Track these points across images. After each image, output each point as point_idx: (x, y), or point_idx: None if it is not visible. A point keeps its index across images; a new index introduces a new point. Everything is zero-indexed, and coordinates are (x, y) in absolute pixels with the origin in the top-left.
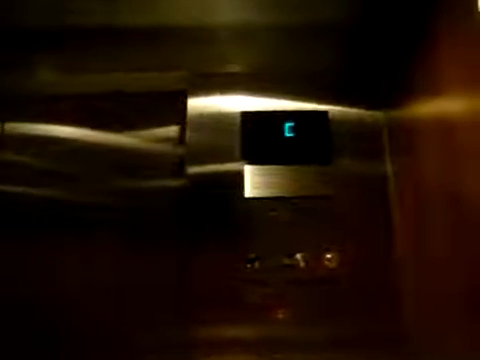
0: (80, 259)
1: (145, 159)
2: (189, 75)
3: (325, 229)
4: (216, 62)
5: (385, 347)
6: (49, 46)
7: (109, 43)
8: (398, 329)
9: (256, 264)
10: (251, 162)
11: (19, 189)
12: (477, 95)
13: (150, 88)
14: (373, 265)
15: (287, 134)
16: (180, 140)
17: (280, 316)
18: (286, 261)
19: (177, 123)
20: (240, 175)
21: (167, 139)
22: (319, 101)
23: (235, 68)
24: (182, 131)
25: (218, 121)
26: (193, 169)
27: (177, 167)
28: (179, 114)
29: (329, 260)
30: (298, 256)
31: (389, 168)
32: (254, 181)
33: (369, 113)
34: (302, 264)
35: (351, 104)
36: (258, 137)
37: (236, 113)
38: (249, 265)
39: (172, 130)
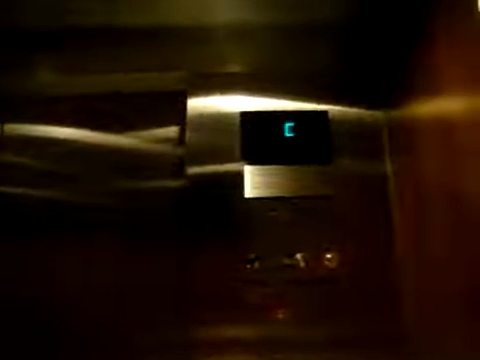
0: (80, 260)
1: (145, 160)
2: (189, 75)
3: (325, 229)
4: (216, 62)
5: (385, 347)
6: (49, 47)
7: (109, 43)
8: (398, 329)
9: (256, 264)
10: (251, 162)
11: (19, 190)
12: (477, 95)
13: (150, 88)
14: (373, 265)
15: (287, 134)
16: (180, 140)
17: (280, 316)
18: (286, 261)
19: (177, 123)
20: (240, 175)
21: (167, 139)
22: (319, 101)
23: (235, 68)
24: (182, 131)
25: (218, 121)
26: (193, 169)
27: (177, 167)
28: (179, 114)
29: (329, 260)
30: (298, 256)
31: (389, 168)
32: (254, 181)
33: (369, 113)
34: (302, 264)
35: (351, 104)
36: (258, 137)
37: (236, 113)
38: (249, 265)
39: (172, 130)
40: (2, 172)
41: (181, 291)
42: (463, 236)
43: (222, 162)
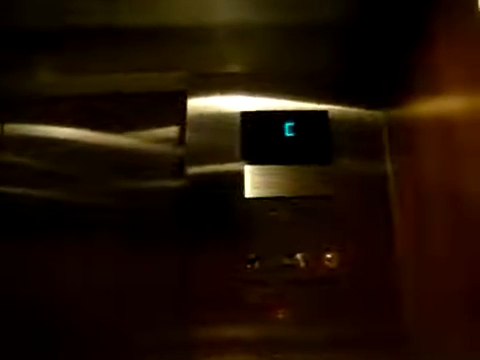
0: (80, 260)
1: (145, 160)
2: (189, 75)
3: (325, 229)
4: (216, 62)
5: (385, 347)
6: (49, 47)
7: (109, 43)
8: (398, 329)
9: (256, 264)
10: (251, 162)
11: (19, 190)
12: (476, 94)
13: (150, 88)
14: (373, 265)
15: (287, 134)
16: (180, 140)
17: (280, 316)
18: (286, 261)
19: (177, 123)
20: (240, 175)
21: (167, 139)
22: (319, 101)
23: (235, 68)
24: (182, 131)
25: (218, 121)
26: (193, 169)
27: (177, 167)
28: (179, 114)
29: (329, 260)
30: (298, 256)
31: (389, 167)
32: (254, 181)
33: (369, 112)
34: (302, 264)
35: (351, 104)
36: (258, 137)
37: (236, 113)
38: (249, 265)
39: (172, 130)
40: (2, 172)
41: (181, 291)
42: (463, 236)
43: (222, 162)
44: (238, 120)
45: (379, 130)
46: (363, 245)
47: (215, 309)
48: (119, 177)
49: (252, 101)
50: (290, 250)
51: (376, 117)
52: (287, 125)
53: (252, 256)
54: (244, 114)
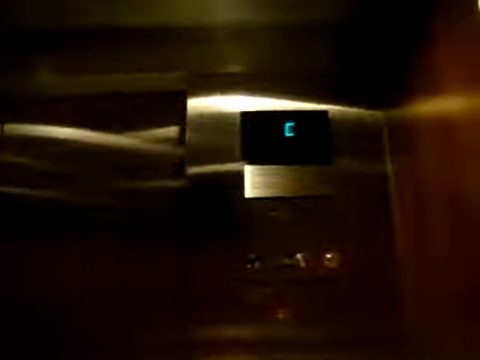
0: (80, 260)
1: (145, 160)
2: (189, 75)
3: (325, 229)
4: (216, 62)
5: (385, 347)
6: (49, 47)
7: (109, 44)
8: (398, 329)
9: (256, 264)
10: (251, 162)
11: (19, 190)
12: (476, 94)
13: (150, 89)
14: (373, 265)
15: (287, 134)
16: (180, 140)
17: (280, 316)
18: (286, 261)
19: (177, 123)
20: (240, 175)
21: (167, 139)
22: (319, 101)
23: (235, 68)
24: (182, 131)
25: (218, 121)
26: (193, 169)
27: (177, 167)
28: (179, 114)
29: (329, 260)
30: (298, 256)
31: (389, 167)
32: (254, 181)
33: (369, 112)
34: (302, 264)
35: (351, 104)
36: (258, 137)
37: (236, 113)
38: (249, 265)
39: (172, 130)
40: (2, 172)
41: (181, 291)
42: (463, 236)
43: (222, 162)
44: (238, 120)
45: (379, 130)
46: (363, 245)
47: (215, 309)
48: (119, 177)
49: (252, 101)
50: (290, 250)
51: (376, 117)
52: (287, 125)
53: (252, 256)
54: (244, 114)
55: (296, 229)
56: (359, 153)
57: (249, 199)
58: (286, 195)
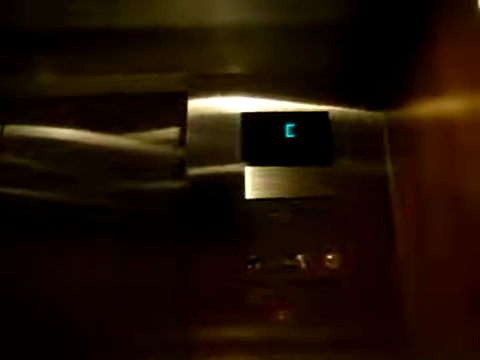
0: (81, 261)
1: (145, 161)
2: (189, 76)
3: (326, 230)
4: (216, 63)
5: (386, 348)
6: (48, 48)
7: (109, 45)
8: (399, 330)
9: (257, 265)
10: (252, 163)
11: (19, 191)
12: (477, 95)
13: (150, 90)
14: (374, 266)
15: (287, 135)
16: (180, 142)
17: (281, 317)
18: (287, 262)
19: (177, 124)
20: (241, 176)
21: (167, 141)
22: (319, 102)
23: (235, 69)
24: (182, 133)
25: (218, 122)
26: (193, 171)
27: (177, 169)
28: (179, 115)
29: (330, 261)
30: (299, 257)
31: (390, 168)
32: (255, 182)
33: (369, 113)
34: (303, 265)
35: (351, 104)
36: (259, 138)
37: (236, 114)
38: (250, 266)
39: (172, 132)
40: (2, 173)
41: (181, 292)
42: (464, 237)
43: (223, 163)
44: (239, 121)
45: (380, 131)
46: (364, 246)
47: (216, 310)
48: (119, 178)
49: (253, 102)
50: (291, 251)
51: (377, 118)
52: (288, 126)
53: (253, 257)
54: (245, 115)
55: (297, 230)
56: (359, 154)
57: (249, 200)
58: (287, 196)
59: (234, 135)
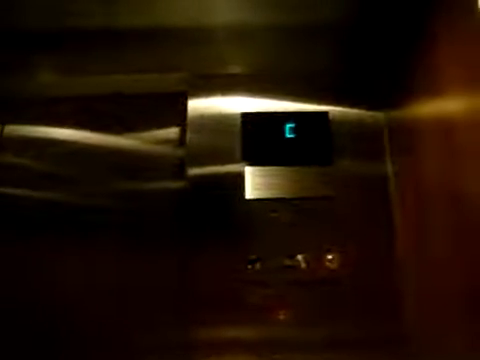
0: (81, 261)
1: (145, 161)
2: (189, 76)
3: (326, 230)
4: (216, 63)
5: (386, 348)
6: (49, 48)
7: (109, 45)
8: (399, 330)
9: (257, 265)
10: (252, 163)
11: (19, 191)
12: (477, 95)
13: (150, 90)
14: (374, 266)
15: (288, 135)
16: (180, 142)
17: (281, 317)
18: (287, 262)
19: (177, 125)
20: (241, 176)
21: (167, 141)
22: (319, 102)
23: (235, 69)
24: (182, 133)
25: (219, 122)
26: (193, 171)
27: (177, 169)
28: (179, 116)
29: (330, 261)
30: (299, 257)
31: (390, 168)
32: (255, 182)
33: (369, 113)
34: (303, 265)
35: (351, 105)
36: (259, 138)
37: (237, 114)
38: (250, 266)
39: (172, 132)
40: (3, 173)
41: (181, 292)
42: (464, 237)
43: (223, 163)
44: (239, 121)
45: (380, 131)
46: (364, 246)
47: (216, 310)
48: (120, 178)
49: (253, 102)
50: (291, 251)
51: (377, 118)
52: (288, 126)
53: (253, 257)
54: (245, 115)
55: (297, 230)
56: (360, 154)
57: (250, 200)
58: (287, 196)
59: (234, 135)
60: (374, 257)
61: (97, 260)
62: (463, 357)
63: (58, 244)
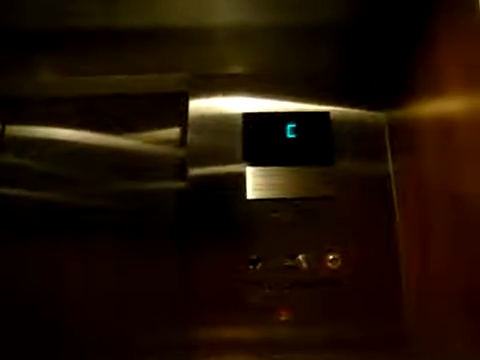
0: (81, 262)
1: (146, 161)
2: (190, 77)
3: (327, 230)
4: (217, 63)
5: (387, 348)
6: (49, 48)
7: (109, 45)
8: (400, 330)
9: (258, 265)
10: (253, 163)
11: (19, 192)
12: (477, 95)
13: (151, 90)
14: (375, 266)
15: (289, 135)
16: (181, 142)
17: (282, 318)
18: (288, 262)
19: (178, 125)
20: (242, 177)
21: (168, 141)
22: (320, 102)
23: (236, 69)
24: (183, 133)
25: (220, 123)
26: (194, 171)
27: (178, 169)
28: (180, 116)
29: (331, 261)
30: (300, 257)
31: (391, 168)
32: (256, 182)
33: (370, 113)
34: (304, 265)
35: (352, 105)
36: (260, 138)
37: (238, 114)
38: (251, 266)
39: (173, 132)
40: (3, 173)
41: (182, 292)
42: (464, 237)
43: (224, 163)
44: (240, 121)
45: (381, 131)
46: (365, 246)
47: (217, 310)
48: (120, 179)
49: (254, 102)
50: (292, 251)
51: (378, 118)
52: (289, 126)
53: (254, 257)
54: (246, 115)
55: (298, 230)
56: (361, 154)
57: (251, 200)
58: (288, 196)
59: (235, 135)
60: (375, 257)
61: (97, 260)
62: (463, 357)
63: (58, 244)
